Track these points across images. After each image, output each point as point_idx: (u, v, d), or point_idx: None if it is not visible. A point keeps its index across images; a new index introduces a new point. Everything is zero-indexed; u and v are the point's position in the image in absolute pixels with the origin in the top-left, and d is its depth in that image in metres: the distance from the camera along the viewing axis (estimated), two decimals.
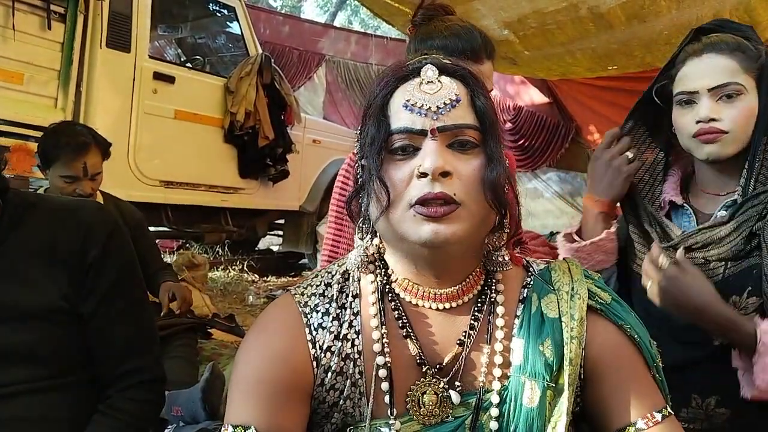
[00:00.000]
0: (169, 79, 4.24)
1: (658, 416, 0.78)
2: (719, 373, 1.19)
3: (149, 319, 1.21)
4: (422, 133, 0.76)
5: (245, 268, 5.70)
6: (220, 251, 6.04)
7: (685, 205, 1.33)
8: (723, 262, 1.21)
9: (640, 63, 4.28)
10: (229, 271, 5.60)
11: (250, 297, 4.65)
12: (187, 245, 5.92)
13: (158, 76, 4.17)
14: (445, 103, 0.77)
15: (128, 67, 4.02)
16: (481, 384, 0.81)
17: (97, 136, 2.40)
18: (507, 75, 5.74)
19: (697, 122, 1.22)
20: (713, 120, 1.21)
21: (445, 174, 0.75)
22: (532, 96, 5.91)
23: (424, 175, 0.74)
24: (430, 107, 0.77)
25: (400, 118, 0.78)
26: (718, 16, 3.37)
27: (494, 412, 0.79)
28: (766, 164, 1.20)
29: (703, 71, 1.23)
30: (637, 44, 3.95)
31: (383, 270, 0.87)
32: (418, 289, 0.83)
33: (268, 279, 5.70)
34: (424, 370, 0.81)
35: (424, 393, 0.81)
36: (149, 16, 4.13)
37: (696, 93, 1.23)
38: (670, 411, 0.80)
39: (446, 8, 1.54)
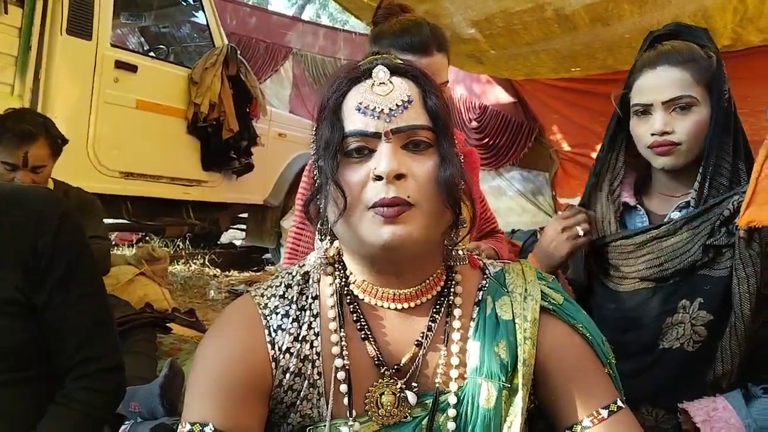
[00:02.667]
0: (132, 68, 4.14)
1: (604, 413, 0.80)
2: (666, 378, 1.23)
3: (104, 306, 1.18)
4: (376, 135, 0.77)
5: (207, 262, 5.62)
6: (181, 245, 5.95)
7: (638, 206, 1.36)
8: (675, 271, 1.24)
9: (603, 65, 4.37)
10: (190, 265, 5.52)
11: (212, 292, 4.59)
12: (147, 238, 5.81)
13: (120, 64, 4.07)
14: (397, 105, 0.78)
15: (89, 55, 3.91)
16: (437, 384, 0.82)
17: (50, 129, 2.33)
18: (473, 74, 5.79)
19: (652, 134, 1.26)
20: (666, 133, 1.25)
21: (400, 176, 0.76)
22: (498, 95, 5.96)
23: (379, 177, 0.75)
24: (382, 109, 0.77)
25: (353, 120, 0.78)
26: (678, 20, 3.45)
27: (451, 412, 0.81)
28: (718, 170, 1.24)
29: (657, 84, 1.26)
30: (600, 47, 4.03)
31: (342, 272, 0.87)
32: (377, 290, 0.84)
33: (230, 273, 5.63)
34: (382, 371, 0.82)
35: (382, 394, 0.81)
36: (112, 3, 4.02)
37: (650, 105, 1.27)
38: (621, 405, 0.82)
39: (404, 7, 1.56)
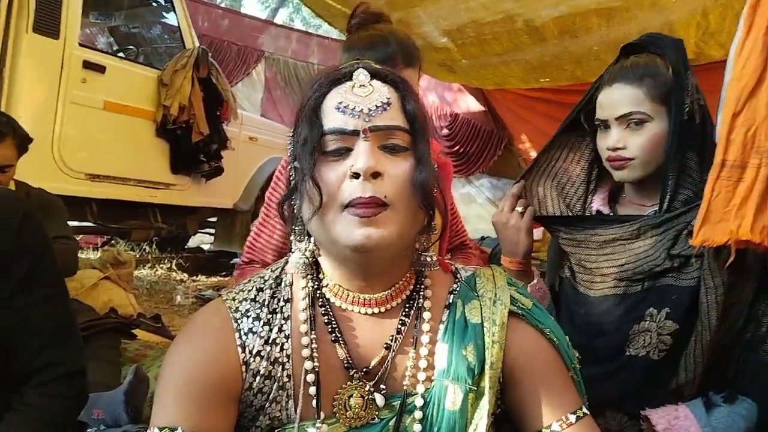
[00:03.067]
0: (100, 69, 4.07)
1: (573, 418, 0.82)
2: (631, 384, 1.26)
3: (67, 309, 1.16)
4: (354, 133, 0.78)
5: (174, 266, 5.54)
6: (148, 249, 5.84)
7: (611, 213, 1.40)
8: (641, 276, 1.27)
9: (571, 76, 4.45)
10: (157, 270, 5.43)
11: (178, 297, 4.52)
12: (113, 242, 5.70)
13: (88, 65, 3.99)
14: (376, 106, 0.79)
15: (56, 54, 3.82)
16: (405, 387, 0.83)
17: (17, 128, 2.28)
18: (445, 83, 5.85)
19: (608, 149, 1.31)
20: (619, 149, 1.29)
21: (377, 174, 0.77)
22: (468, 104, 6.03)
23: (356, 175, 0.76)
24: (362, 109, 0.78)
25: (333, 119, 0.79)
26: None
27: (418, 414, 0.81)
28: (681, 182, 1.27)
29: (612, 101, 1.31)
30: (569, 58, 4.11)
31: (315, 275, 0.88)
32: (348, 294, 0.85)
33: (198, 278, 5.55)
34: (351, 374, 0.83)
35: (351, 396, 0.82)
36: (81, 1, 3.94)
37: (607, 120, 1.32)
38: (586, 411, 0.84)
39: (377, 17, 1.56)
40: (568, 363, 0.87)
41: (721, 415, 1.18)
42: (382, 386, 0.83)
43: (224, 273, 5.85)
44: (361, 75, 0.82)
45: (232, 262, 6.24)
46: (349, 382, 0.83)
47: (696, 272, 1.21)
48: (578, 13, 3.41)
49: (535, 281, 1.43)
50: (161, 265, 5.54)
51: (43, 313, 1.08)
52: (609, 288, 1.31)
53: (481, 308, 0.86)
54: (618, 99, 1.30)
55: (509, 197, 1.46)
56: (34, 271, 1.07)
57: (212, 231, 5.99)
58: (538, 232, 1.45)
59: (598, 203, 1.43)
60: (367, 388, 0.82)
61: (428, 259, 0.87)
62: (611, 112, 1.30)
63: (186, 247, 6.58)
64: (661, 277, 1.26)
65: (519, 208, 1.43)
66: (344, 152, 0.79)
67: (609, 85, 1.32)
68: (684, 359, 1.22)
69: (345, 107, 0.79)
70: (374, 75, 0.83)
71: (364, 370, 0.83)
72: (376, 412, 0.82)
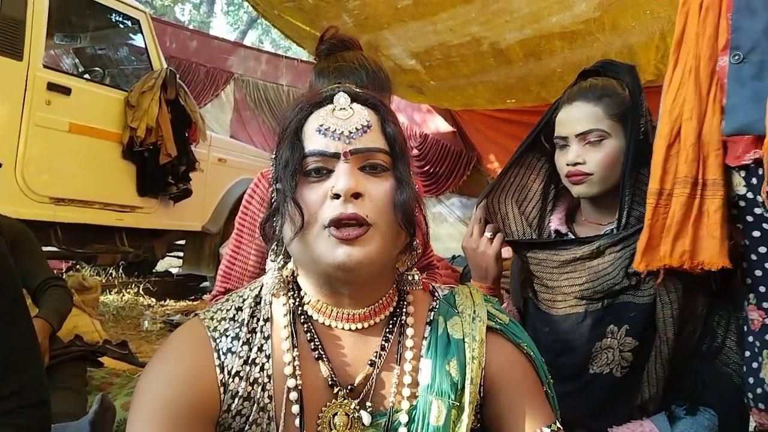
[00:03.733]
0: (65, 91, 4.00)
1: (547, 431, 0.83)
2: (596, 402, 1.28)
3: (28, 337, 1.12)
4: (335, 155, 0.79)
5: (141, 291, 5.42)
6: (114, 273, 5.71)
7: (568, 233, 1.43)
8: (601, 294, 1.30)
9: (536, 98, 4.55)
10: (124, 295, 5.31)
11: (146, 322, 4.42)
12: (78, 267, 5.56)
13: (53, 86, 3.92)
14: (357, 128, 0.80)
15: (20, 76, 3.75)
16: (390, 404, 0.83)
17: None
18: (414, 104, 5.91)
19: (567, 164, 1.34)
20: (578, 164, 1.33)
21: (357, 195, 0.78)
22: (438, 124, 6.11)
23: (337, 196, 0.77)
24: (342, 131, 0.80)
25: (314, 141, 0.80)
26: (606, 57, 3.66)
27: (403, 431, 0.81)
28: (636, 199, 1.32)
29: (572, 118, 1.35)
30: (534, 80, 4.21)
31: (296, 292, 0.87)
32: (332, 310, 0.85)
33: (166, 303, 5.44)
34: (335, 392, 0.82)
35: (335, 414, 0.82)
36: (45, 23, 3.89)
37: (567, 138, 1.36)
38: (560, 426, 0.85)
39: (346, 43, 1.56)
40: (543, 378, 0.89)
41: (684, 427, 1.21)
42: (368, 404, 0.83)
43: (193, 297, 5.75)
44: (341, 98, 0.84)
45: (201, 285, 6.15)
46: (333, 400, 0.82)
47: (652, 290, 1.25)
48: (542, 36, 3.50)
49: (504, 304, 1.45)
50: (128, 290, 5.42)
51: (6, 341, 1.05)
52: (570, 306, 1.34)
53: (462, 324, 0.87)
54: (578, 117, 1.34)
55: (476, 222, 1.48)
56: None
57: (181, 254, 5.90)
58: (508, 251, 1.48)
59: (555, 223, 1.46)
60: (353, 406, 0.82)
61: (413, 277, 0.88)
62: (571, 129, 1.34)
63: (154, 271, 6.45)
64: (619, 295, 1.29)
65: (488, 234, 1.45)
66: (325, 173, 0.80)
67: (569, 103, 1.37)
68: (647, 375, 1.25)
69: (326, 130, 0.80)
70: (354, 98, 0.85)
71: (349, 387, 0.83)
72: (361, 431, 0.82)
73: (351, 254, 0.76)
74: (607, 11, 3.18)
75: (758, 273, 1.13)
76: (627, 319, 1.27)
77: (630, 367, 1.27)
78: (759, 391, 1.14)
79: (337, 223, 0.76)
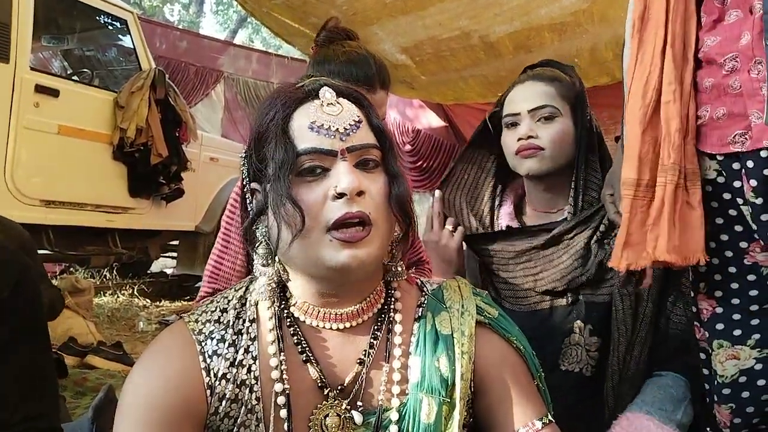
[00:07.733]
0: (53, 93, 3.97)
1: (539, 424, 0.83)
2: (568, 400, 1.28)
3: (49, 364, 1.11)
4: (331, 153, 0.77)
5: (136, 292, 5.40)
6: (108, 275, 5.69)
7: (520, 226, 1.44)
8: (562, 287, 1.30)
9: None
10: (118, 296, 5.29)
11: (141, 323, 4.41)
12: (71, 269, 5.53)
13: (41, 89, 3.89)
14: (350, 124, 0.79)
15: (7, 79, 3.72)
16: (380, 402, 0.82)
17: None
18: (406, 99, 5.90)
19: (519, 140, 1.35)
20: (531, 137, 1.34)
21: (360, 193, 0.77)
22: (430, 119, 6.10)
23: (341, 195, 0.75)
24: (337, 128, 0.78)
25: (306, 139, 0.78)
26: (595, 49, 3.67)
27: (394, 429, 0.81)
28: (588, 184, 1.33)
29: (524, 95, 1.37)
30: None
31: (282, 294, 0.86)
32: (319, 311, 0.83)
33: (161, 304, 5.42)
34: (325, 393, 0.81)
35: (327, 416, 0.81)
36: (31, 25, 3.86)
37: (518, 114, 1.37)
38: (551, 419, 0.85)
39: (348, 33, 1.56)
40: (533, 371, 0.88)
41: (651, 390, 1.21)
42: (358, 403, 0.82)
43: (188, 297, 5.73)
44: (327, 93, 0.81)
45: (196, 285, 6.13)
46: (324, 402, 0.81)
47: (610, 288, 1.27)
48: (531, 28, 3.50)
49: None
50: (123, 292, 5.40)
51: (27, 367, 1.03)
52: (535, 303, 1.34)
53: (450, 319, 0.86)
54: (531, 93, 1.36)
55: (436, 215, 1.48)
56: (26, 323, 1.03)
57: (175, 254, 5.88)
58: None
59: (505, 219, 1.47)
60: (344, 406, 0.81)
61: (397, 268, 0.87)
62: (524, 105, 1.36)
63: (148, 272, 6.43)
64: (581, 292, 1.30)
65: (449, 227, 1.46)
66: (320, 172, 0.78)
67: (520, 83, 1.40)
68: (608, 367, 1.26)
69: (319, 127, 0.78)
70: (339, 93, 0.83)
71: (339, 387, 0.82)
72: (353, 431, 0.81)
73: (355, 256, 0.75)
74: (596, 2, 3.17)
75: (715, 261, 1.08)
76: (590, 319, 1.28)
77: (597, 366, 1.28)
78: (716, 383, 1.10)
79: (341, 223, 0.75)
